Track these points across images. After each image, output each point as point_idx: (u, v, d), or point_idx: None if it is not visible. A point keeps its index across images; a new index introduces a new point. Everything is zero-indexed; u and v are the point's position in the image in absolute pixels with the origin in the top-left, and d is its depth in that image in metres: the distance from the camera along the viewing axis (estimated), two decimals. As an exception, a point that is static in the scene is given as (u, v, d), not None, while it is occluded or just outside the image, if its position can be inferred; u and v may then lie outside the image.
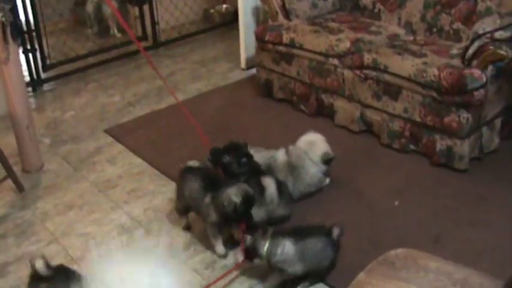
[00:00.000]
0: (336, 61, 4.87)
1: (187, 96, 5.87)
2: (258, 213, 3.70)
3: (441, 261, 2.31)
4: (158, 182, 4.49)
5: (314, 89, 5.14)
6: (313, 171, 4.11)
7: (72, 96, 6.16)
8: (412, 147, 4.53)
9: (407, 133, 4.51)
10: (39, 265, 3.06)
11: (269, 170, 4.08)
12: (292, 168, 4.10)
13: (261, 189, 3.81)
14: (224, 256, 3.69)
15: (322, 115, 5.14)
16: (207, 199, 3.64)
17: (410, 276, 2.23)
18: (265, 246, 3.27)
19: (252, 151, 4.06)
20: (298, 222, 3.80)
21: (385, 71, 4.50)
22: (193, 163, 3.93)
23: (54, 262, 3.69)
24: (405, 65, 4.38)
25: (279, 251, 3.24)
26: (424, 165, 4.41)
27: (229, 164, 3.94)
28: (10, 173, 4.45)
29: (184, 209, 3.91)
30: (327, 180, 4.24)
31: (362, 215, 3.94)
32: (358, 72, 4.71)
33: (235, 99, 5.75)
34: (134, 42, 6.61)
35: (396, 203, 4.01)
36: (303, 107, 5.28)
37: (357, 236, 3.71)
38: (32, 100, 6.03)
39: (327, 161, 4.12)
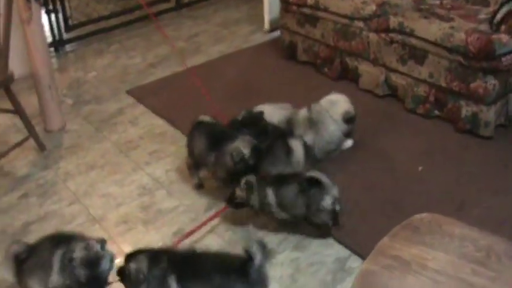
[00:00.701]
0: (361, 24, 4.81)
1: (209, 58, 5.84)
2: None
3: (466, 228, 2.28)
4: (180, 143, 4.45)
5: (338, 52, 5.08)
6: (332, 128, 4.09)
7: (94, 57, 6.15)
8: (436, 112, 4.48)
9: (432, 98, 4.45)
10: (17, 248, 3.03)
11: (289, 124, 4.11)
12: (312, 123, 4.09)
13: (288, 150, 3.80)
14: None
15: (346, 78, 5.09)
16: (211, 158, 3.72)
17: (435, 241, 2.20)
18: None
19: (277, 107, 4.18)
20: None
21: (411, 34, 4.43)
22: (204, 118, 3.96)
23: (76, 222, 3.74)
24: (432, 29, 4.31)
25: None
26: (449, 131, 4.35)
27: None
28: (32, 133, 4.46)
29: (195, 165, 3.95)
30: (350, 142, 4.23)
31: (385, 179, 3.91)
32: (383, 35, 4.64)
33: (258, 62, 5.69)
34: (156, 4, 6.60)
35: (420, 168, 3.97)
36: (326, 70, 5.23)
37: (380, 200, 3.70)
38: (54, 61, 6.02)
39: (348, 119, 4.10)
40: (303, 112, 4.18)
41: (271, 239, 3.48)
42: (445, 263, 2.10)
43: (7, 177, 4.31)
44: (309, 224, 3.47)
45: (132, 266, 2.87)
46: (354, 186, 3.84)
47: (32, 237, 3.61)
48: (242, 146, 3.58)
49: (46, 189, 4.11)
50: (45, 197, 4.03)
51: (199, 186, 3.98)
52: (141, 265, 2.85)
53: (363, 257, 3.25)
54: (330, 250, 3.38)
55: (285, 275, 3.22)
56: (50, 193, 4.08)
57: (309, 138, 4.03)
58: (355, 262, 3.27)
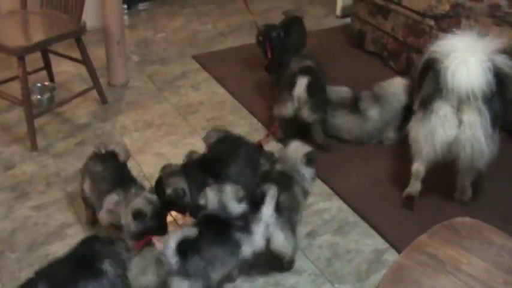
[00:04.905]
0: (432, 22, 4.78)
1: (278, 36, 5.86)
2: (284, 109, 4.10)
3: (506, 238, 2.30)
4: (238, 114, 4.55)
5: (406, 47, 5.06)
6: (395, 104, 4.20)
7: (165, 18, 6.24)
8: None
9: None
10: None
11: (354, 98, 4.23)
12: (377, 97, 4.22)
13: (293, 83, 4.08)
14: None
15: (410, 74, 5.07)
16: None
17: (473, 246, 2.23)
18: None
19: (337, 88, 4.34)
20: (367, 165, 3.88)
21: (481, 40, 4.39)
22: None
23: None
24: (503, 37, 4.26)
25: None
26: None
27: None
28: (96, 84, 4.58)
29: None
30: None
31: (437, 178, 3.80)
32: (453, 37, 4.62)
33: (325, 46, 5.70)
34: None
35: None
36: (392, 64, 5.22)
37: (429, 200, 3.69)
38: (126, 17, 6.12)
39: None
40: (365, 91, 4.29)
41: (314, 219, 3.54)
42: (479, 269, 2.13)
43: (67, 123, 4.45)
44: None
45: (168, 190, 3.17)
46: (403, 181, 3.84)
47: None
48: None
49: (102, 141, 4.21)
50: (101, 148, 4.14)
51: None
52: (176, 184, 3.18)
53: (400, 252, 3.28)
54: (369, 240, 3.42)
55: (322, 257, 3.27)
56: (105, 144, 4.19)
57: (374, 112, 4.17)
58: (392, 256, 3.29)
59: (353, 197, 3.71)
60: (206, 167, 3.32)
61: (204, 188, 3.04)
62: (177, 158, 3.96)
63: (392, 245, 3.37)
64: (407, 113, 4.17)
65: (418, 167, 3.51)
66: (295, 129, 4.17)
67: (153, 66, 5.30)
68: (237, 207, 2.90)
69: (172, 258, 2.61)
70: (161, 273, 2.75)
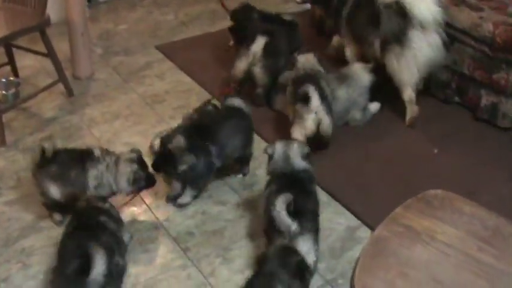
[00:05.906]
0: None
1: (239, 23, 5.89)
2: (240, 65, 4.47)
3: (476, 207, 2.39)
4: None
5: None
6: (361, 83, 4.33)
7: (126, 10, 6.23)
8: (456, 99, 4.54)
9: (453, 85, 4.52)
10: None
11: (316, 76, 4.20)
12: (343, 77, 4.34)
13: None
14: None
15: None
16: None
17: (446, 216, 2.31)
18: None
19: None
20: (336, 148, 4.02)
21: (440, 20, 4.53)
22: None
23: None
24: (461, 17, 4.34)
25: None
26: (467, 118, 4.42)
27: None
28: (62, 77, 4.58)
29: None
30: (376, 106, 4.43)
31: (401, 157, 4.02)
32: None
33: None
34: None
35: (435, 151, 4.06)
36: (354, 46, 5.29)
37: (394, 176, 3.84)
38: (86, 10, 6.09)
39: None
40: (330, 74, 4.35)
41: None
42: (454, 238, 2.21)
43: (33, 118, 4.45)
44: None
45: (170, 145, 3.43)
46: (369, 161, 3.95)
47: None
48: None
49: (71, 133, 4.25)
50: (70, 141, 4.14)
51: None
52: (177, 140, 3.41)
53: (372, 228, 3.35)
54: (341, 218, 3.50)
55: (295, 238, 3.34)
56: (74, 137, 4.21)
57: (342, 91, 4.24)
58: (364, 232, 3.38)
59: (323, 178, 3.76)
60: (200, 132, 3.58)
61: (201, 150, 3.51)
62: (147, 147, 4.01)
63: (364, 222, 3.47)
64: (372, 94, 4.29)
65: (411, 93, 4.28)
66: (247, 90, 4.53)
67: (117, 57, 5.31)
68: (301, 163, 3.25)
69: (290, 222, 2.86)
70: None
